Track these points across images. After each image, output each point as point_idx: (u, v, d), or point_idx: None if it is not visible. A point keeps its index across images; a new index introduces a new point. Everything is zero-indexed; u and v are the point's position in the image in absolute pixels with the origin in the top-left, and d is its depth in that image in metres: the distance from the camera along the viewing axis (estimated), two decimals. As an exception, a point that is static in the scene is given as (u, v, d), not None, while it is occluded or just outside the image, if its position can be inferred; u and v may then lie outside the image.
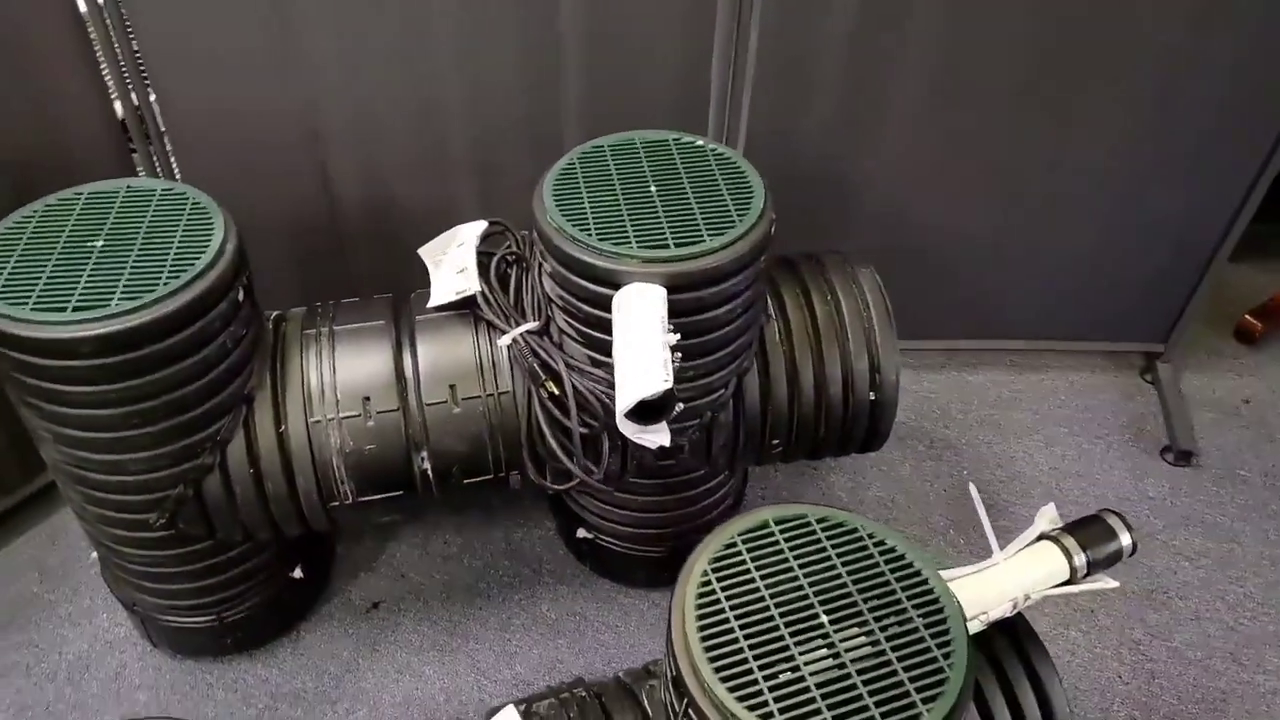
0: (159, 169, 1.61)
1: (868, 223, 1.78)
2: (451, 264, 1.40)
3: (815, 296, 1.44)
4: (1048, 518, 1.22)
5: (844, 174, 1.73)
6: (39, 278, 1.16)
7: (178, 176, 1.61)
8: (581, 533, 1.57)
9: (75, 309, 1.12)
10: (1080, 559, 1.14)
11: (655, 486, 1.47)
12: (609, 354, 1.27)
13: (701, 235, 1.23)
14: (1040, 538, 1.20)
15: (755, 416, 1.41)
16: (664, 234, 1.23)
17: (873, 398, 1.44)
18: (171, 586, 1.40)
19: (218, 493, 1.30)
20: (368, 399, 1.33)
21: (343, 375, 1.33)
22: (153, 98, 1.54)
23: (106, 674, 1.50)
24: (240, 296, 1.24)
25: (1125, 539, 1.15)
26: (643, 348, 1.11)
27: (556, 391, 1.29)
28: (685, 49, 1.57)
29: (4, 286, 1.14)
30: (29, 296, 1.13)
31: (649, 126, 1.42)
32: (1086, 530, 1.17)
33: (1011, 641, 1.19)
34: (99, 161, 1.53)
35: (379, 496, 1.36)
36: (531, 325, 1.32)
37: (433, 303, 1.39)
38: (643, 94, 1.61)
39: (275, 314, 1.40)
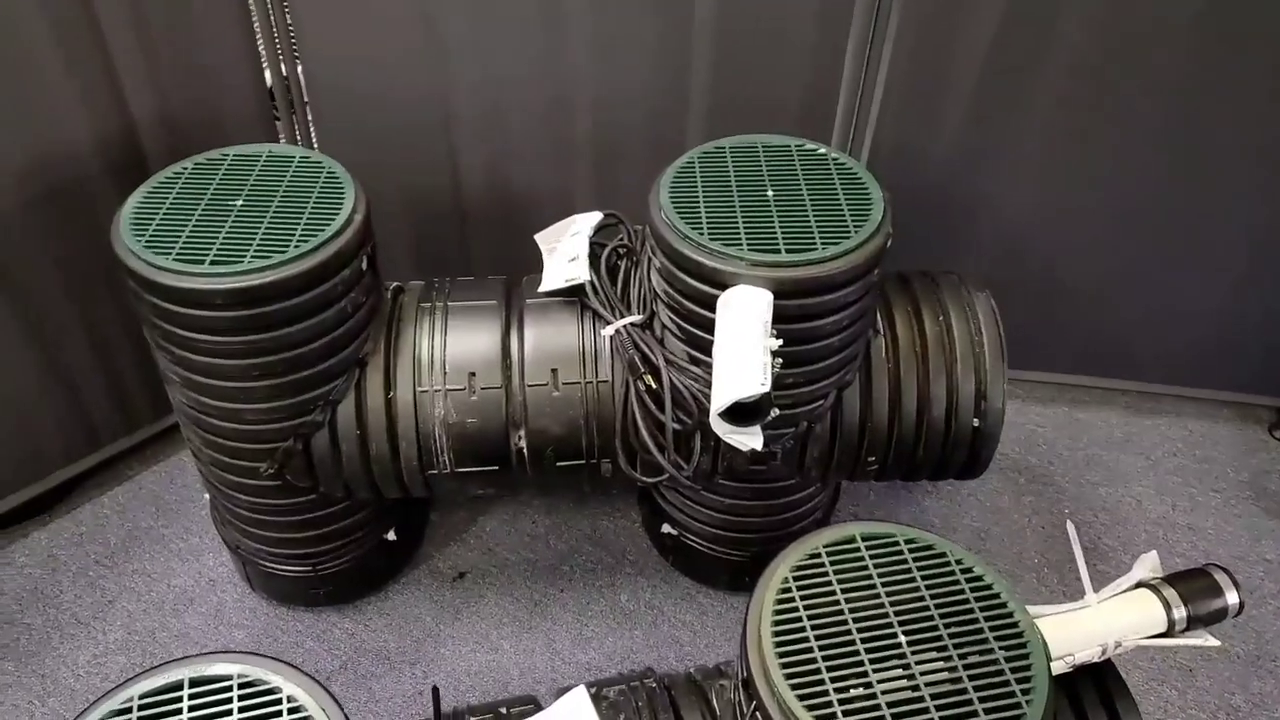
0: (299, 138, 1.69)
1: (987, 247, 1.74)
2: (564, 252, 1.43)
3: (926, 315, 1.42)
4: (1148, 565, 1.18)
5: (968, 195, 1.69)
6: (183, 230, 1.23)
7: (315, 147, 1.69)
8: (666, 528, 1.59)
9: (212, 262, 1.19)
10: (1180, 612, 1.10)
11: (744, 490, 1.47)
12: (709, 353, 1.28)
13: (815, 243, 1.22)
14: (1138, 585, 1.16)
15: (853, 431, 1.40)
16: (776, 239, 1.23)
17: (976, 424, 1.40)
18: (273, 534, 1.47)
19: (325, 449, 1.36)
20: (473, 374, 1.37)
21: (452, 349, 1.38)
22: (300, 70, 1.62)
23: (208, 610, 1.58)
24: (364, 265, 1.30)
25: (1232, 597, 1.10)
26: (743, 349, 1.11)
27: (654, 385, 1.30)
28: (816, 58, 1.56)
29: (151, 237, 1.22)
30: (172, 247, 1.21)
31: (772, 132, 1.42)
32: (1189, 583, 1.12)
33: (1097, 688, 1.15)
34: (245, 126, 1.61)
35: (475, 469, 1.40)
36: (635, 318, 1.33)
37: (543, 288, 1.42)
38: (769, 99, 1.61)
39: (394, 285, 1.45)
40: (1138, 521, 1.74)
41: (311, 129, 1.68)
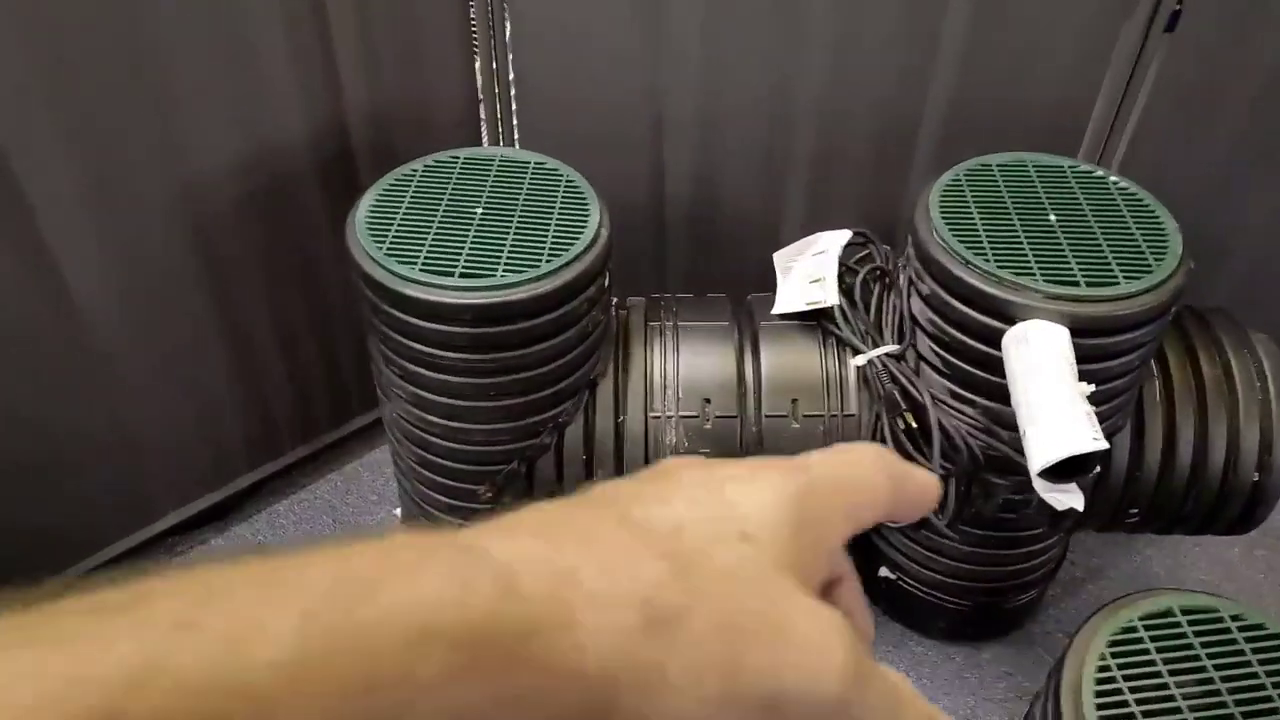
0: (501, 136, 1.61)
1: (1233, 285, 1.59)
2: (805, 272, 1.33)
3: (1202, 356, 1.29)
4: None
5: (1218, 230, 1.55)
6: (424, 239, 1.15)
7: (516, 142, 1.60)
8: (884, 572, 1.48)
9: (461, 275, 1.11)
10: None
11: (981, 538, 1.35)
12: (979, 391, 1.17)
13: (1115, 277, 1.10)
14: None
15: (1119, 480, 1.28)
16: (1072, 270, 1.11)
17: (1256, 478, 1.27)
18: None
19: (549, 474, 1.27)
20: (708, 401, 1.27)
21: (685, 373, 1.28)
22: (510, 67, 1.53)
23: (392, 631, 1.51)
24: (605, 282, 1.21)
25: None
26: (1063, 399, 1.00)
27: (915, 424, 1.19)
28: (1071, 76, 1.44)
29: (392, 244, 1.14)
30: (417, 257, 1.13)
31: (1011, 149, 1.31)
32: None
33: None
34: (450, 124, 1.54)
35: (701, 503, 1.30)
36: (892, 348, 1.23)
37: (779, 309, 1.32)
38: (1009, 114, 1.48)
39: (613, 300, 1.36)
40: (1389, 585, 1.59)
41: (515, 129, 1.59)
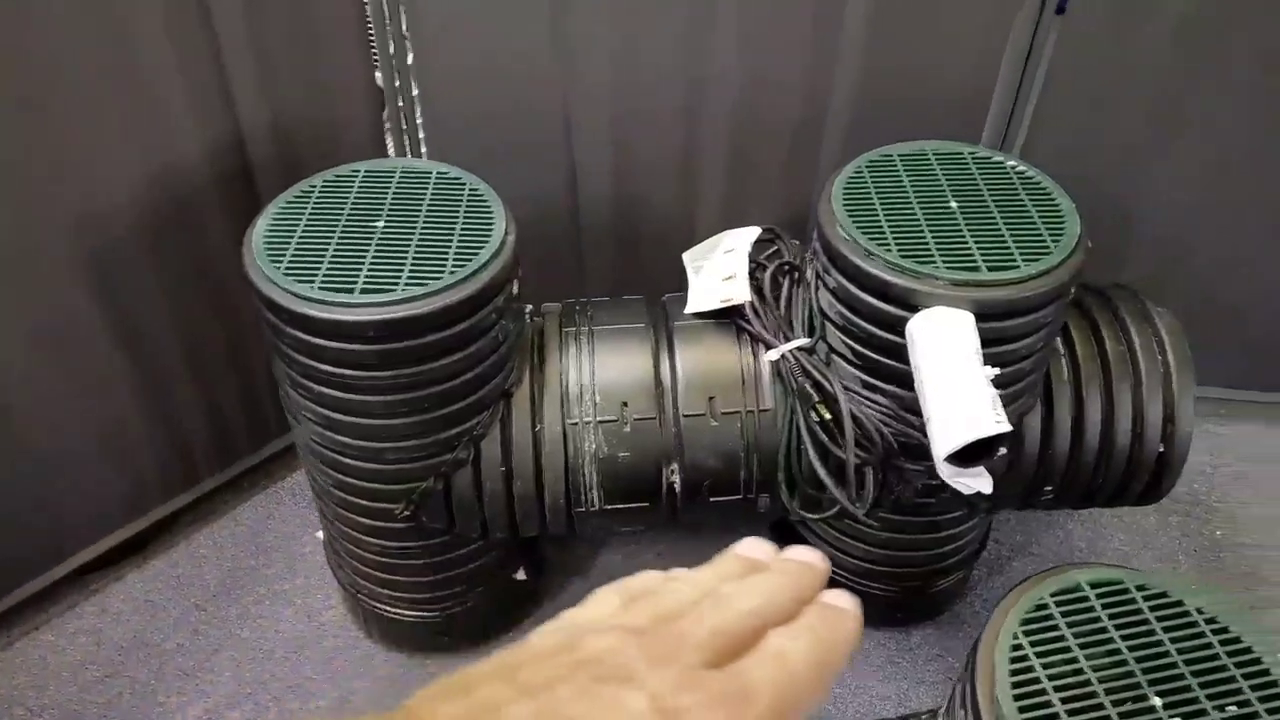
0: (407, 144, 1.58)
1: (1143, 252, 1.63)
2: (716, 270, 1.33)
3: (1106, 333, 1.32)
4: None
5: (1121, 208, 1.59)
6: (323, 256, 1.13)
7: (424, 153, 1.58)
8: (812, 562, 1.49)
9: (362, 291, 1.09)
10: None
11: (902, 524, 1.37)
12: (889, 380, 1.19)
13: (1015, 260, 1.12)
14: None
15: (1032, 459, 1.30)
16: (973, 255, 1.13)
17: (1161, 450, 1.31)
18: (400, 578, 1.36)
19: (466, 488, 1.26)
20: (625, 404, 1.27)
21: (602, 377, 1.27)
22: (412, 69, 1.50)
23: (320, 657, 1.48)
24: (514, 290, 1.19)
25: None
26: (965, 383, 1.01)
27: (828, 416, 1.20)
28: (971, 58, 1.46)
29: (290, 263, 1.12)
30: (315, 275, 1.10)
31: (916, 137, 1.33)
32: None
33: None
34: (353, 136, 1.51)
35: (625, 506, 1.30)
36: (803, 342, 1.23)
37: (691, 308, 1.32)
38: (913, 105, 1.50)
39: (528, 308, 1.35)
40: (1298, 544, 1.65)
41: (421, 134, 1.56)
